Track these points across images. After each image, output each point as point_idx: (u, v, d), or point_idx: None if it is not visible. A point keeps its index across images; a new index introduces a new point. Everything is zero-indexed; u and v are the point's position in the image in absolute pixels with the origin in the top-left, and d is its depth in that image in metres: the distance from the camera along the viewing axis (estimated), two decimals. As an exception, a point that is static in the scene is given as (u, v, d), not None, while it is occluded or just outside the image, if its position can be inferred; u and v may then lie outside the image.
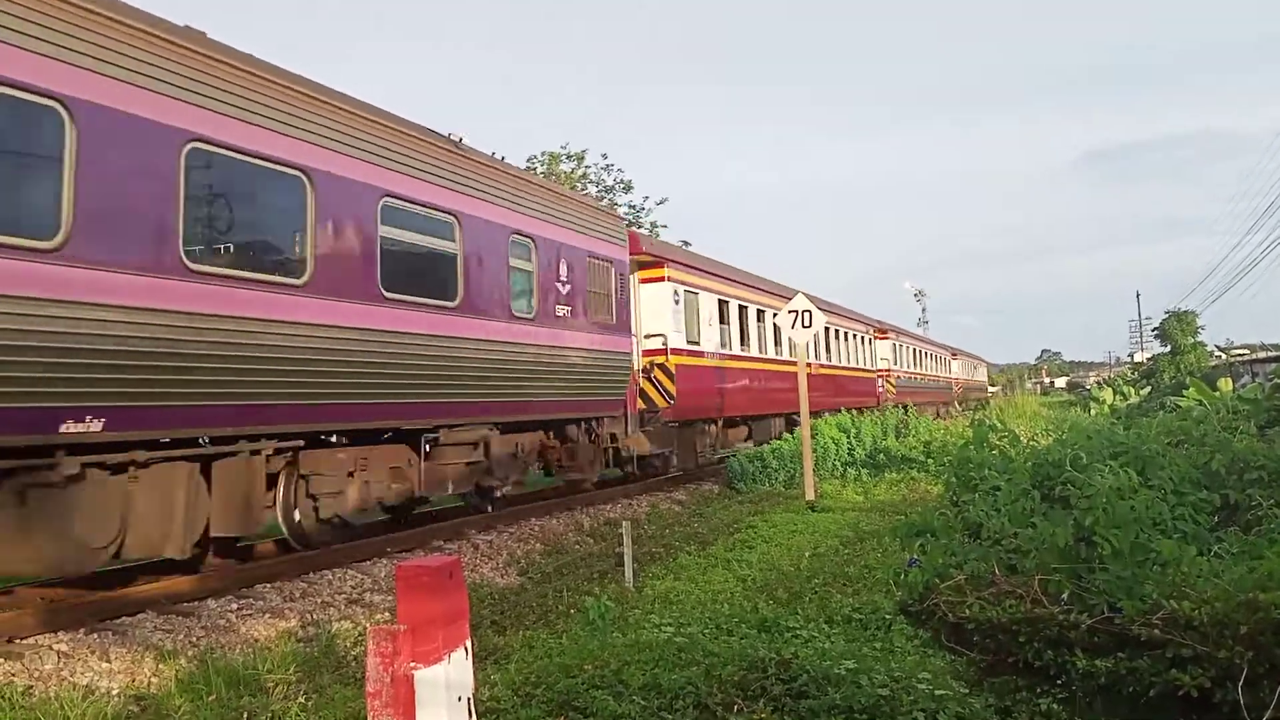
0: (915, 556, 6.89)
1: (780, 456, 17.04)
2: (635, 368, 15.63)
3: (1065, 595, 4.88)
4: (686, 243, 35.28)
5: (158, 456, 7.27)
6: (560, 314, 12.53)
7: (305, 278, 8.30)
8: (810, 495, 13.69)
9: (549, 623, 7.04)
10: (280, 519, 8.96)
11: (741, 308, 20.81)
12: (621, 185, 37.26)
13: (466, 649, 2.92)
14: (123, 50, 6.76)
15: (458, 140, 11.05)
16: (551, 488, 14.99)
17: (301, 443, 8.69)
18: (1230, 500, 7.20)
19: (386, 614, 7.49)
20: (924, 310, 78.54)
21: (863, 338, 32.25)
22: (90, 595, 7.49)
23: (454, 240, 10.44)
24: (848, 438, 18.47)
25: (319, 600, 7.92)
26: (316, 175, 8.45)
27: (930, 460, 17.05)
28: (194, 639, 6.67)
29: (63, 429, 6.31)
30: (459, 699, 2.81)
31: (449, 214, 10.37)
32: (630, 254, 15.32)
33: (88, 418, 6.45)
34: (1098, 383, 73.06)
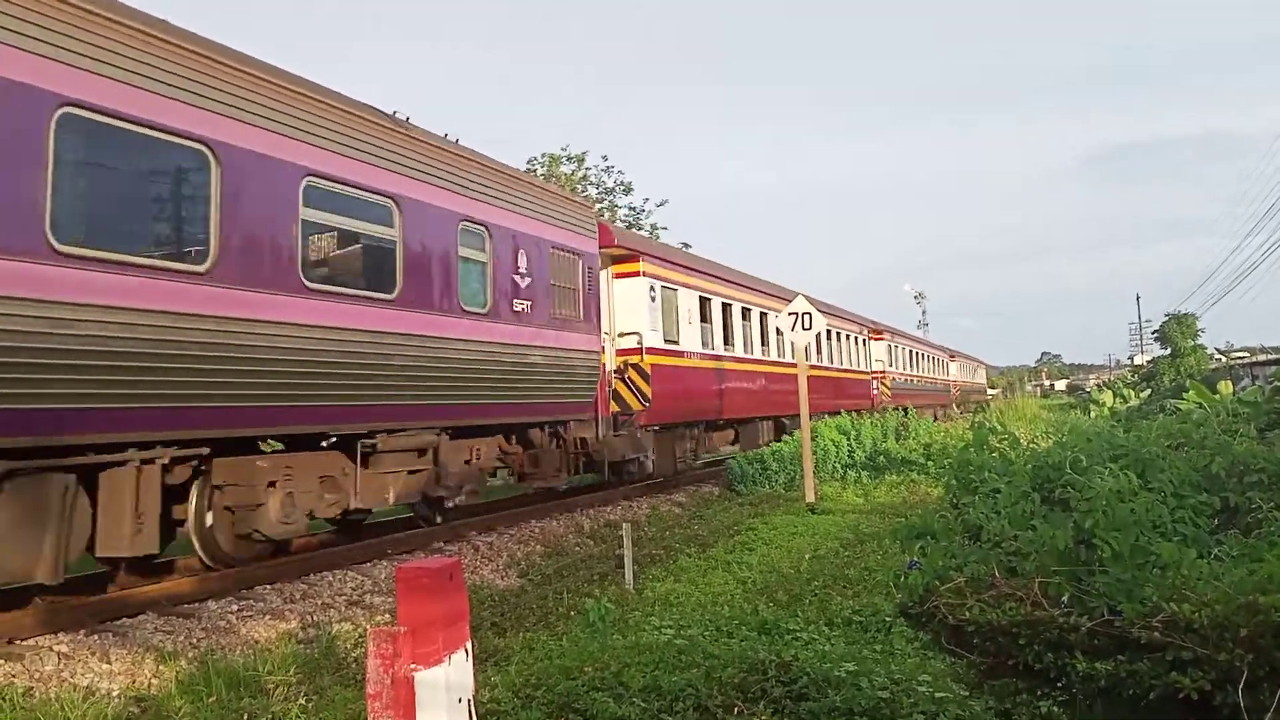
0: (915, 559, 6.90)
1: (780, 459, 17.04)
2: (608, 368, 14.97)
3: (1065, 598, 4.89)
4: (686, 244, 35.29)
5: (25, 467, 6.38)
6: (519, 309, 11.60)
7: (208, 265, 7.38)
8: (810, 497, 13.68)
9: (549, 625, 7.04)
10: (193, 535, 8.18)
11: (725, 305, 19.85)
12: (622, 187, 37.32)
13: (467, 651, 2.92)
14: None
15: (404, 119, 10.20)
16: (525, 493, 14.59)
17: (205, 450, 7.79)
18: (1230, 503, 7.21)
19: (387, 616, 7.49)
20: (924, 312, 78.55)
21: (856, 339, 31.36)
22: (91, 596, 7.48)
23: (393, 227, 9.50)
24: (848, 440, 18.49)
25: (319, 602, 7.92)
26: (222, 150, 7.53)
27: (930, 463, 17.07)
28: (194, 640, 6.67)
29: None
30: (459, 700, 2.81)
31: (387, 198, 9.41)
32: (601, 246, 14.48)
33: None
34: (1098, 385, 73.08)
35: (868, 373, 32.48)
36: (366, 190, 9.15)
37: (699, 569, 9.08)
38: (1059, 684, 4.61)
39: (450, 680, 2.77)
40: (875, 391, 32.62)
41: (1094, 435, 11.08)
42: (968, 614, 5.06)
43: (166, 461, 7.37)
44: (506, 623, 7.22)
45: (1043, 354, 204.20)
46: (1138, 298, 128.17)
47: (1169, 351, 47.05)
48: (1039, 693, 4.64)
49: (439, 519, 11.05)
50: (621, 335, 15.55)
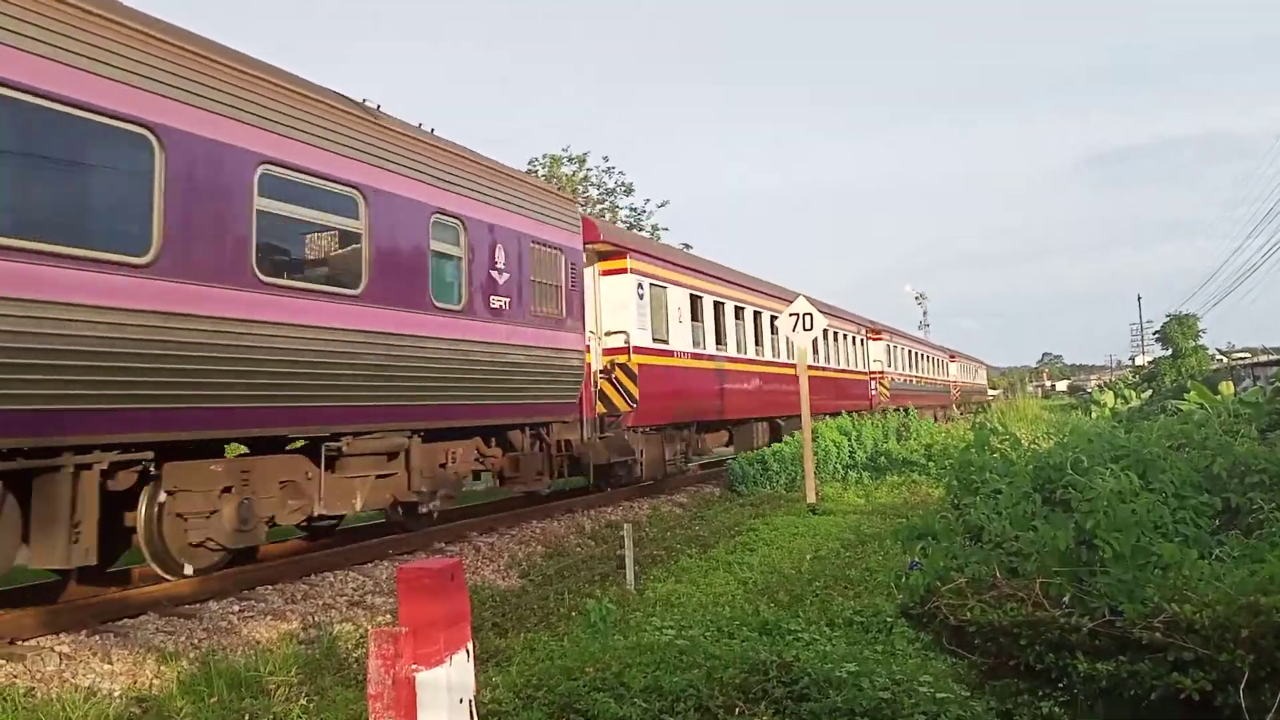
0: (916, 559, 6.90)
1: (781, 459, 17.04)
2: (594, 368, 14.53)
3: (1066, 598, 4.89)
4: (688, 245, 35.28)
5: None
6: (496, 306, 11.11)
7: (149, 257, 6.88)
8: (811, 498, 13.68)
9: (550, 625, 7.05)
10: (143, 545, 7.67)
11: (718, 304, 19.34)
12: (623, 188, 37.31)
13: (468, 651, 2.92)
14: None
15: (375, 106, 9.72)
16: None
17: (151, 454, 7.30)
18: (1231, 504, 7.21)
19: (388, 616, 7.49)
20: (925, 313, 78.53)
21: (854, 338, 30.89)
22: (92, 597, 7.49)
23: (358, 218, 9.00)
24: (849, 441, 18.49)
25: (320, 602, 7.92)
26: (167, 134, 7.03)
27: (931, 463, 17.07)
28: (195, 641, 6.68)
29: None
30: (460, 701, 2.81)
31: (352, 188, 8.91)
32: (586, 242, 14.05)
33: None
34: (1099, 386, 73.04)
35: (866, 373, 32.07)
36: (330, 180, 8.67)
37: (700, 569, 9.08)
38: (1060, 684, 4.61)
39: (451, 681, 2.77)
40: (874, 392, 32.21)
41: (1095, 436, 11.07)
42: (969, 614, 5.06)
43: (106, 466, 6.86)
44: (508, 623, 7.22)
45: (1044, 355, 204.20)
46: (1139, 298, 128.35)
47: (1170, 352, 47.06)
48: (1040, 693, 4.64)
49: (414, 526, 10.60)
50: (608, 334, 15.16)
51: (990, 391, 78.87)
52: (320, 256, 9.11)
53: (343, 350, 8.64)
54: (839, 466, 17.66)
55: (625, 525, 9.07)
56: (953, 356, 56.27)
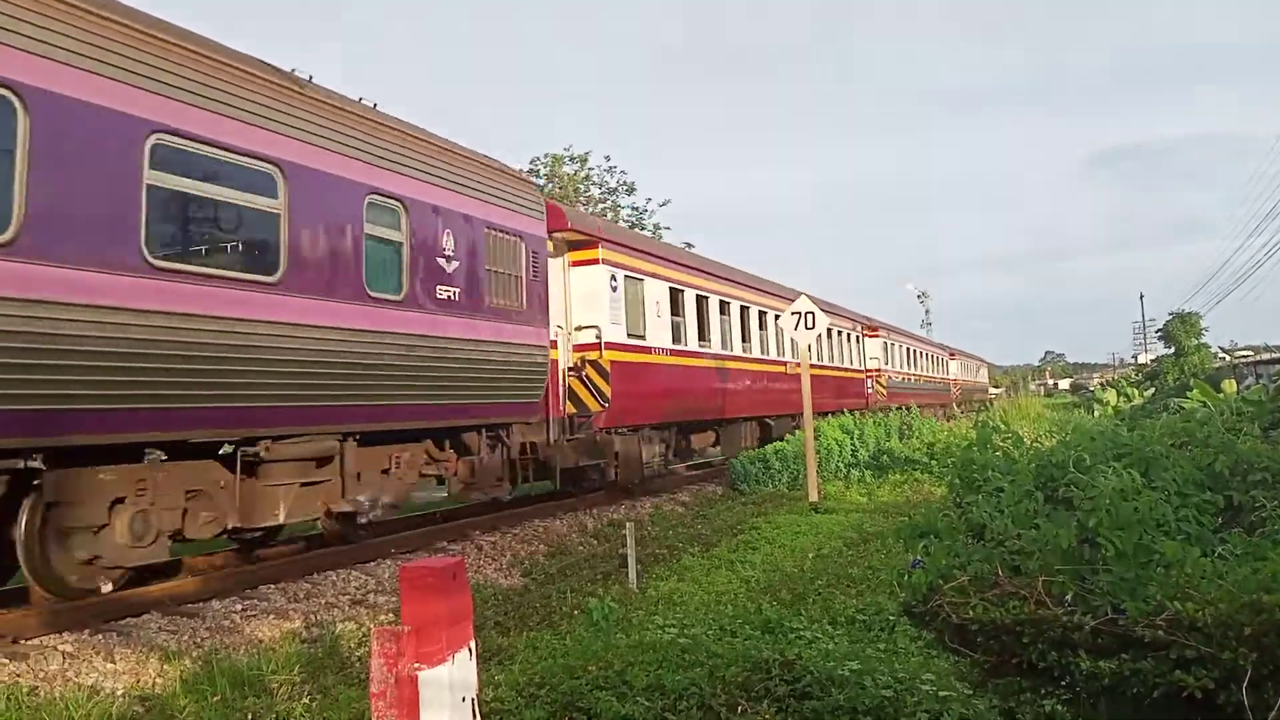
0: (919, 558, 6.89)
1: (783, 458, 17.04)
2: (563, 365, 13.70)
3: (1069, 596, 4.88)
4: (689, 244, 35.27)
5: None
6: (444, 296, 10.12)
7: (7, 235, 6.03)
8: (814, 496, 13.70)
9: (553, 624, 7.05)
10: (23, 564, 6.84)
11: (701, 298, 18.29)
12: (625, 187, 37.32)
13: (470, 650, 2.92)
14: None
15: (306, 77, 8.88)
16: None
17: (20, 464, 6.42)
18: (1234, 502, 7.19)
19: (390, 615, 7.50)
20: (927, 312, 78.38)
21: (850, 335, 30.02)
22: (95, 596, 7.50)
23: (276, 197, 8.11)
24: (851, 439, 18.49)
25: (323, 601, 7.93)
26: (33, 97, 6.20)
27: (934, 462, 17.09)
28: (198, 640, 6.69)
29: None
30: (463, 699, 2.82)
31: (269, 162, 8.03)
32: (553, 230, 13.13)
33: None
34: (1101, 384, 73.01)
35: (862, 371, 31.43)
36: (241, 154, 7.78)
37: (702, 568, 9.09)
38: (1063, 682, 4.61)
39: (454, 679, 2.78)
40: (870, 391, 31.63)
41: (1097, 434, 11.06)
42: (971, 613, 5.06)
43: None
44: (510, 622, 7.23)
45: (1046, 353, 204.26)
46: (1141, 297, 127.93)
47: (1173, 350, 47.01)
48: (1042, 691, 4.64)
49: (360, 536, 9.81)
50: (579, 329, 14.22)
51: (992, 390, 78.80)
52: (230, 240, 8.09)
53: (254, 344, 7.75)
54: (841, 465, 17.68)
55: (628, 524, 9.08)
56: (953, 354, 55.88)
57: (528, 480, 12.57)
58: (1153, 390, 41.92)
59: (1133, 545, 5.45)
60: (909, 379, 39.16)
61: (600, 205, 36.15)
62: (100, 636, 6.56)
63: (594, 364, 13.97)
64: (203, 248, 7.83)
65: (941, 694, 4.33)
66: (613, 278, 14.68)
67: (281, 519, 8.64)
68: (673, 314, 16.93)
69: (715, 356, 18.69)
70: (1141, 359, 68.12)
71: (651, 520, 12.91)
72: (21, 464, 6.45)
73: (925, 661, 5.22)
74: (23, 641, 6.35)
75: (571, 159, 36.20)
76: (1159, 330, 51.28)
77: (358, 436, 9.25)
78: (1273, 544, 5.50)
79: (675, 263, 17.78)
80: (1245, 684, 3.91)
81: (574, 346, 14.14)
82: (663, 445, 16.55)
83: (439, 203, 10.23)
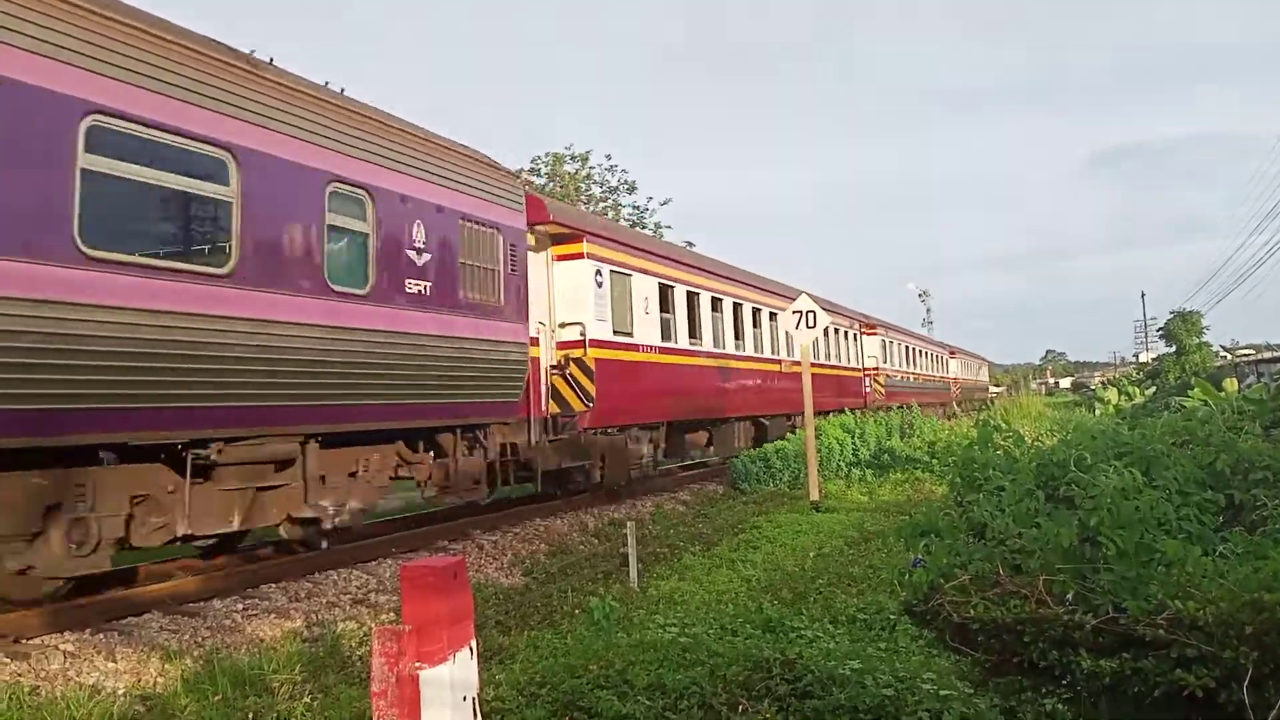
0: (920, 557, 6.88)
1: (784, 457, 17.05)
2: (546, 363, 13.33)
3: (1070, 595, 4.88)
4: (690, 243, 35.25)
5: None
6: (414, 291, 9.65)
7: None
8: (815, 495, 13.69)
9: (553, 623, 7.06)
10: None
11: (692, 295, 17.77)
12: (626, 186, 37.31)
13: (471, 649, 2.92)
14: None
15: (267, 60, 8.52)
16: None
17: None
18: (1235, 500, 7.18)
19: (391, 614, 7.51)
20: (928, 311, 78.32)
21: (847, 333, 29.59)
22: (96, 595, 7.51)
23: (228, 185, 7.67)
24: (852, 438, 18.50)
25: (324, 600, 7.94)
26: None
27: (935, 460, 17.09)
28: (199, 639, 6.70)
29: None
30: (464, 699, 2.82)
31: (220, 148, 7.58)
32: (535, 223, 12.64)
33: None
34: (1102, 383, 72.99)
35: (860, 369, 31.15)
36: (189, 137, 7.33)
37: (703, 567, 9.10)
38: (1063, 681, 4.60)
39: (455, 678, 2.78)
40: (868, 389, 31.39)
41: (1099, 433, 11.04)
42: (972, 612, 5.05)
43: None
44: (511, 621, 7.24)
45: (1047, 352, 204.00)
46: (1142, 295, 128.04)
47: (1174, 349, 47.04)
48: (1043, 690, 4.63)
49: (324, 544, 9.31)
50: (562, 326, 13.74)
51: (993, 389, 78.73)
52: (175, 230, 7.69)
53: (202, 340, 7.29)
54: (842, 464, 17.68)
55: (629, 523, 9.09)
56: (953, 353, 55.54)
57: (508, 483, 12.13)
58: (1154, 389, 41.92)
59: (1134, 544, 5.44)
60: (908, 378, 38.89)
61: (601, 204, 36.15)
62: (101, 636, 6.57)
63: (578, 362, 13.54)
64: (144, 238, 7.32)
65: (942, 693, 4.33)
66: (598, 272, 14.21)
67: (236, 525, 8.21)
68: (662, 311, 16.46)
69: (707, 355, 18.22)
70: (1143, 358, 68.12)
71: (652, 519, 12.91)
72: None
73: (926, 660, 5.23)
74: (24, 641, 6.36)
75: (573, 158, 36.21)
76: (1160, 329, 51.34)
77: (321, 438, 8.84)
78: (1274, 543, 5.49)
79: (665, 258, 17.31)
80: (1246, 683, 3.91)
81: (558, 344, 13.73)
82: (650, 446, 16.04)
83: (409, 192, 9.76)
